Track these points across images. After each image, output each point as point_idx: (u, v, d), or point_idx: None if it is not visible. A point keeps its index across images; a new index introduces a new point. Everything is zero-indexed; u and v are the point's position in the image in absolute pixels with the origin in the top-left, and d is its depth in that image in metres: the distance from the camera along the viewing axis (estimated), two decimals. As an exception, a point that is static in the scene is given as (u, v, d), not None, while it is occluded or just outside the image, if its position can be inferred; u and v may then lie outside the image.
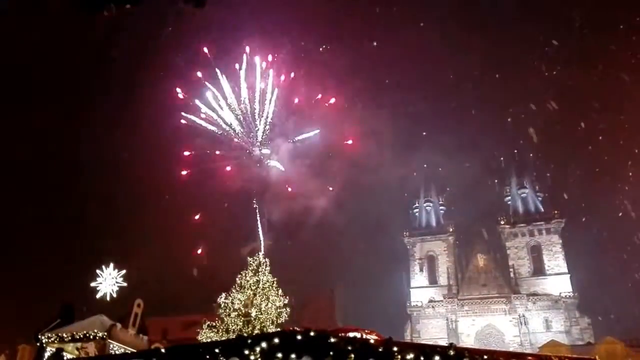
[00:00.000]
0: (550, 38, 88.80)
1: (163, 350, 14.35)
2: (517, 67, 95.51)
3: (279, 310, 25.69)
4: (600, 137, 69.36)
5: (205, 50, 32.70)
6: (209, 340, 23.55)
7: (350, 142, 34.16)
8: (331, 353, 11.69)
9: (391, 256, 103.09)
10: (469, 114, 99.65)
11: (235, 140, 32.89)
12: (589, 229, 79.62)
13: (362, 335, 14.90)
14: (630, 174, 64.94)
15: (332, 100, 33.82)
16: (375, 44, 79.11)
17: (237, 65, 32.86)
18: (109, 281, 32.20)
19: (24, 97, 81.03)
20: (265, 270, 26.62)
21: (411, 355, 11.58)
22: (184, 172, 32.88)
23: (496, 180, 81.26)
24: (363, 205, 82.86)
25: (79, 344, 25.41)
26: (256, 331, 23.88)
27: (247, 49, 33.03)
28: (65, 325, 26.93)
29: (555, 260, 71.47)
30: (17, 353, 45.60)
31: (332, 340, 12.01)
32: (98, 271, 32.38)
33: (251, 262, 26.89)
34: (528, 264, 72.78)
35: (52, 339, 25.15)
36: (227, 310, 25.38)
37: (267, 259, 27.26)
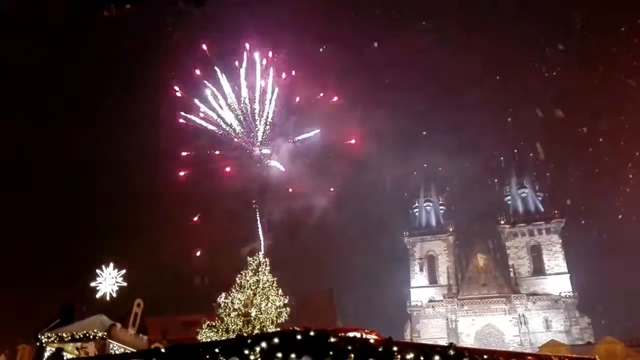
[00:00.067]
0: (550, 39, 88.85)
1: (163, 350, 14.35)
2: (517, 68, 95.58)
3: (278, 310, 25.63)
4: (601, 139, 69.29)
5: (204, 47, 32.76)
6: (209, 340, 23.50)
7: (353, 141, 34.20)
8: (331, 353, 11.70)
9: (391, 256, 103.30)
10: (469, 114, 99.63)
11: (235, 140, 32.90)
12: (589, 228, 79.62)
13: (362, 335, 14.85)
14: (631, 175, 64.95)
15: (335, 99, 33.88)
16: (375, 44, 79.12)
17: (237, 63, 32.89)
18: (108, 281, 32.25)
19: (24, 97, 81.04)
20: (265, 270, 26.60)
21: (411, 355, 11.58)
22: (182, 173, 32.93)
23: (496, 180, 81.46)
24: (363, 205, 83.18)
25: (78, 344, 25.48)
26: (256, 331, 23.84)
27: (247, 46, 33.09)
28: (65, 325, 26.98)
29: (555, 260, 71.54)
30: (17, 353, 45.47)
31: (332, 340, 12.01)
32: (98, 271, 32.44)
33: (251, 262, 26.87)
34: (528, 263, 72.87)
35: (52, 339, 25.21)
36: (227, 310, 25.33)
37: (267, 259, 27.23)
